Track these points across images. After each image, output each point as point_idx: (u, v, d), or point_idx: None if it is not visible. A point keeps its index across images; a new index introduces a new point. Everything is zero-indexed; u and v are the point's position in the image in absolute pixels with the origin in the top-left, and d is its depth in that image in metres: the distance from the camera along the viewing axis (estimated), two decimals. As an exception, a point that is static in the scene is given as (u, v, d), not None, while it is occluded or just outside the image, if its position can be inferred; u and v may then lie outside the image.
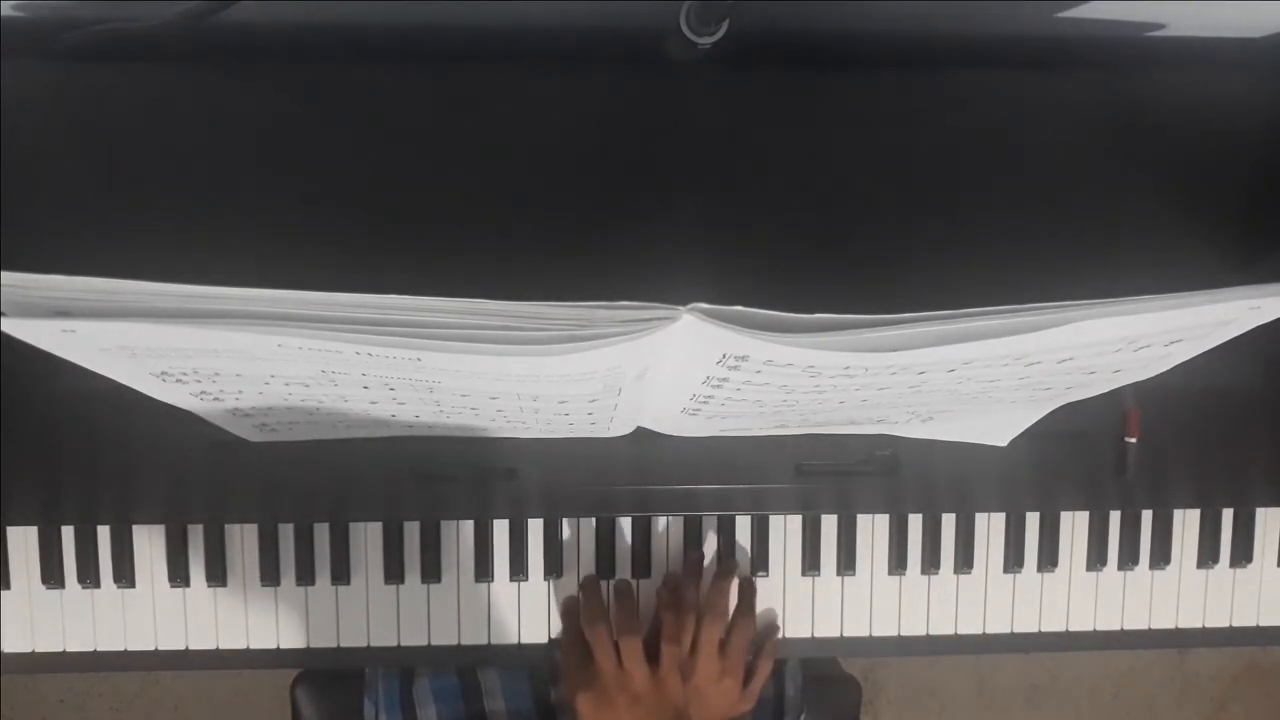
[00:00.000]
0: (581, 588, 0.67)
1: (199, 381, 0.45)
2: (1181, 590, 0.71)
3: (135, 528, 0.65)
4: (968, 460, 0.64)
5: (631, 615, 0.65)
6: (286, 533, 0.66)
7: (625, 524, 0.68)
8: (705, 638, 0.63)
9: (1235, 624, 0.71)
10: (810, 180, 0.58)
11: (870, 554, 0.69)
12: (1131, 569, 0.70)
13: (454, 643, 0.67)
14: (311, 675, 0.84)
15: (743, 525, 0.68)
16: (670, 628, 0.64)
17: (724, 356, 0.40)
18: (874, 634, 0.69)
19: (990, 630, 0.70)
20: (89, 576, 0.65)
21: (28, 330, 0.36)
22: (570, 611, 0.67)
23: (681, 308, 0.37)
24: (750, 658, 0.67)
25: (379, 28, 0.57)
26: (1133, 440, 0.64)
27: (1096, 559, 0.70)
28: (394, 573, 0.66)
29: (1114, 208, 0.59)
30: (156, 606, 0.66)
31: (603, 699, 0.62)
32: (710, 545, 0.68)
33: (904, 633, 0.70)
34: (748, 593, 0.67)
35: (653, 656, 0.63)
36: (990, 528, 0.69)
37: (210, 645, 0.66)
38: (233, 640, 0.66)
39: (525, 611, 0.68)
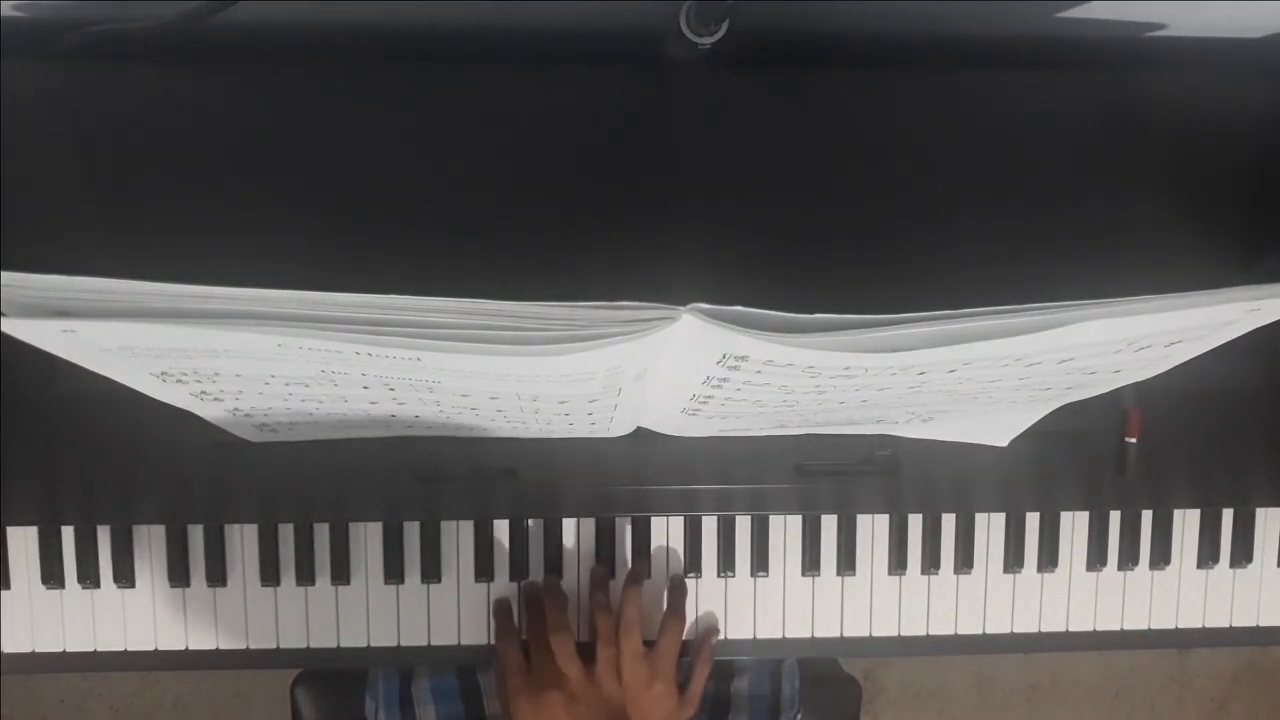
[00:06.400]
0: (519, 591, 0.67)
1: (199, 381, 0.45)
2: (1181, 590, 0.71)
3: (135, 528, 0.65)
4: (968, 460, 0.64)
5: (563, 614, 0.65)
6: (286, 533, 0.66)
7: (625, 524, 0.68)
8: (622, 646, 0.63)
9: (1235, 624, 0.71)
10: (810, 180, 0.58)
11: (870, 554, 0.69)
12: (1131, 569, 0.70)
13: (454, 642, 0.67)
14: (311, 675, 0.84)
15: (743, 525, 0.68)
16: (604, 629, 0.64)
17: (724, 357, 0.40)
18: (874, 634, 0.69)
19: (990, 630, 0.70)
20: (89, 576, 0.65)
21: (28, 330, 0.36)
22: (503, 612, 0.67)
23: (681, 308, 0.37)
24: (688, 660, 0.67)
25: (379, 28, 0.57)
26: (1133, 440, 0.64)
27: (1096, 559, 0.70)
28: (394, 573, 0.66)
29: (1114, 208, 0.59)
30: (156, 606, 0.66)
31: (538, 699, 0.62)
32: (710, 546, 0.68)
33: (904, 633, 0.70)
34: (677, 595, 0.67)
35: (589, 656, 0.63)
36: (990, 528, 0.69)
37: (210, 645, 0.66)
38: (233, 640, 0.66)
39: (525, 611, 0.68)
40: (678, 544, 0.68)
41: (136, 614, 0.66)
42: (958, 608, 0.70)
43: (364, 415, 0.52)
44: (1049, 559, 0.69)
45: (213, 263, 0.51)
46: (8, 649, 0.65)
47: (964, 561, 0.69)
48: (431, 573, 0.66)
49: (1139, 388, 0.60)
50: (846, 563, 0.68)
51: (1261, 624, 0.71)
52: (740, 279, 0.54)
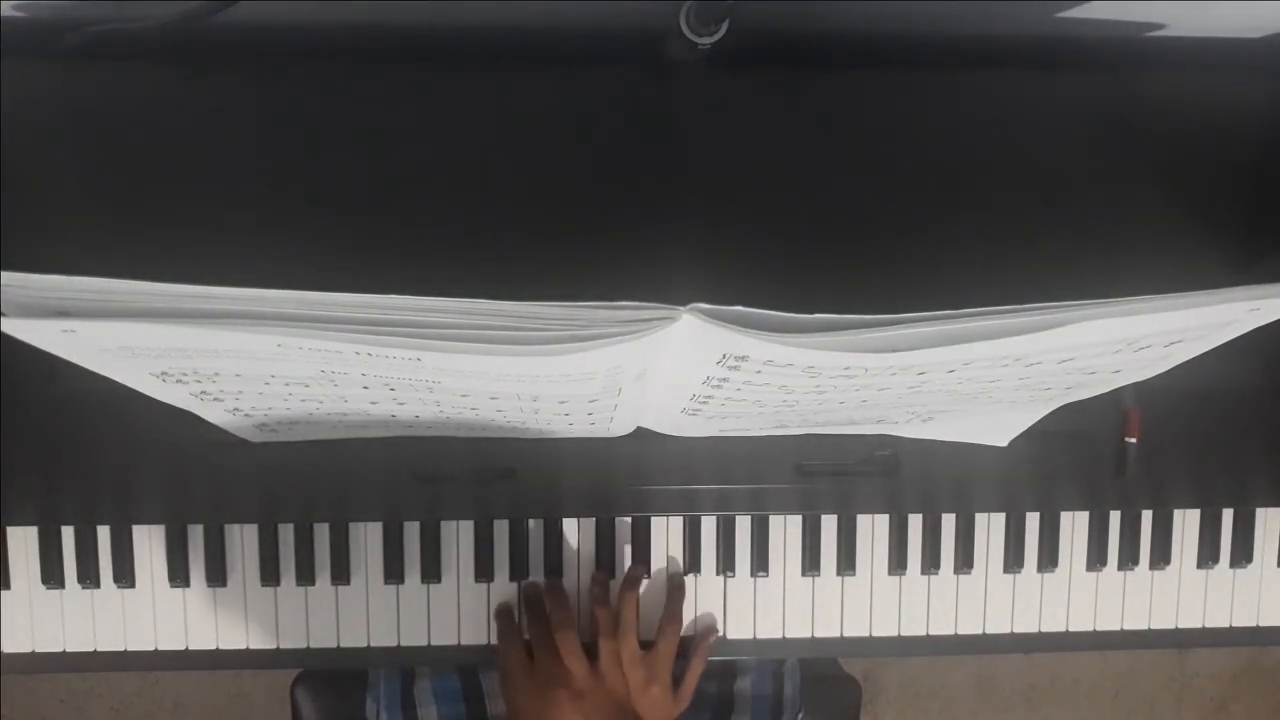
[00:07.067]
0: (520, 591, 0.67)
1: (199, 381, 0.45)
2: (1181, 590, 0.71)
3: (135, 528, 0.65)
4: (968, 460, 0.64)
5: (566, 612, 0.65)
6: (286, 533, 0.66)
7: (625, 524, 0.68)
8: (620, 650, 0.63)
9: (1235, 624, 0.71)
10: (810, 180, 0.58)
11: (870, 554, 0.69)
12: (1131, 569, 0.70)
13: (454, 643, 0.67)
14: (311, 675, 0.84)
15: (743, 525, 0.68)
16: (604, 623, 0.64)
17: (724, 357, 0.40)
18: (874, 634, 0.69)
19: (990, 630, 0.70)
20: (89, 576, 0.65)
21: (28, 330, 0.36)
22: (505, 613, 0.67)
23: (681, 308, 0.37)
24: (684, 659, 0.67)
25: (379, 28, 0.57)
26: (1133, 440, 0.64)
27: (1096, 559, 0.70)
28: (394, 573, 0.66)
29: (1114, 207, 0.59)
30: (156, 606, 0.66)
31: (544, 696, 0.61)
32: (710, 546, 0.68)
33: (904, 633, 0.70)
34: (675, 598, 0.67)
35: (591, 654, 0.63)
36: (990, 528, 0.69)
37: (210, 645, 0.66)
38: (233, 640, 0.66)
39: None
40: (677, 544, 0.68)
41: (136, 614, 0.66)
42: (958, 608, 0.70)
43: (364, 415, 0.52)
44: (1049, 559, 0.69)
45: (213, 263, 0.51)
46: (8, 649, 0.65)
47: (964, 561, 0.69)
48: (431, 573, 0.66)
49: (1139, 388, 0.60)
50: (846, 563, 0.68)
51: (1261, 624, 0.71)
52: (740, 279, 0.54)
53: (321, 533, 0.66)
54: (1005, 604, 0.70)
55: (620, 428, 0.58)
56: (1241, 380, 0.65)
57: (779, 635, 0.69)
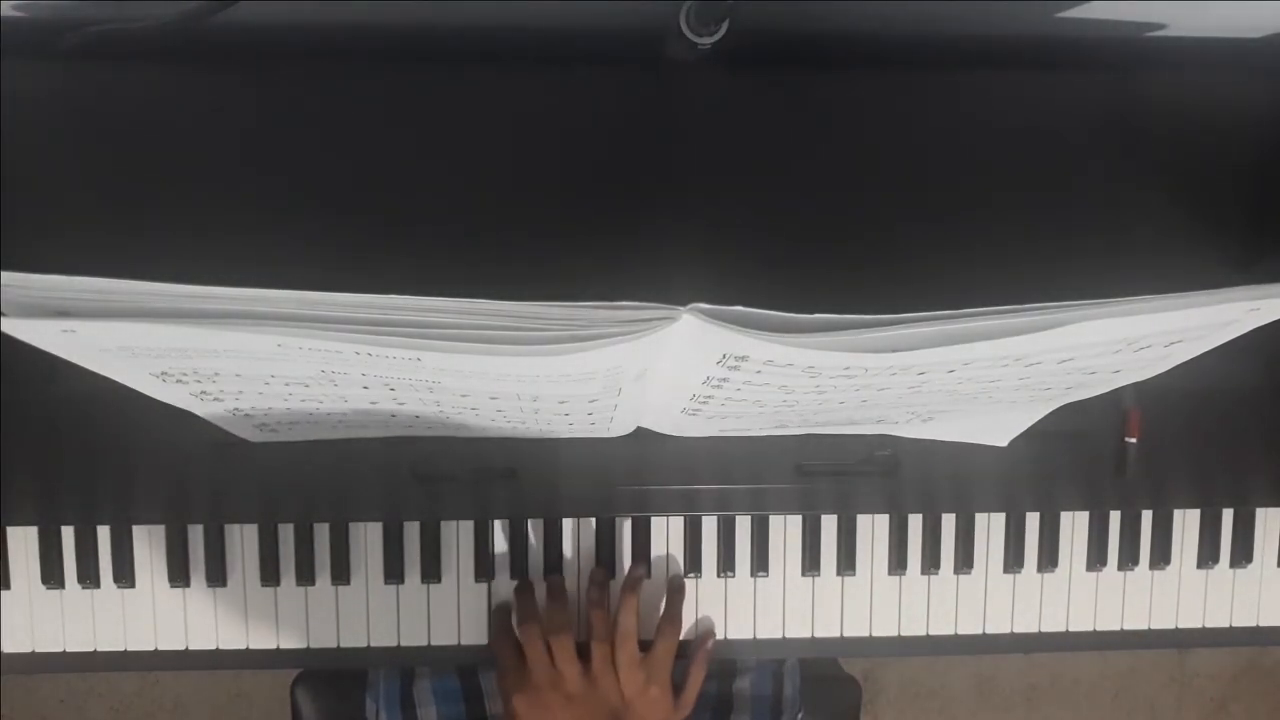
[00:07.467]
0: (516, 591, 0.67)
1: (199, 381, 0.45)
2: (1181, 590, 0.71)
3: (135, 528, 0.65)
4: (968, 460, 0.64)
5: (563, 614, 0.65)
6: (286, 533, 0.66)
7: (625, 524, 0.68)
8: (619, 653, 0.63)
9: (1235, 624, 0.71)
10: (810, 180, 0.58)
11: (870, 554, 0.69)
12: (1131, 569, 0.70)
13: (454, 643, 0.67)
14: (311, 675, 0.84)
15: (743, 525, 0.68)
16: (599, 627, 0.64)
17: (724, 357, 0.40)
18: (874, 634, 0.69)
19: (990, 630, 0.70)
20: (89, 576, 0.65)
21: (28, 330, 0.36)
22: (502, 612, 0.67)
23: (681, 308, 0.37)
24: (684, 661, 0.67)
25: (379, 28, 0.57)
26: (1133, 440, 0.64)
27: (1096, 559, 0.70)
28: (394, 573, 0.66)
29: (1114, 208, 0.59)
30: (156, 606, 0.66)
31: (536, 699, 0.62)
32: (710, 546, 0.68)
33: (904, 633, 0.70)
34: (674, 599, 0.67)
35: (587, 656, 0.63)
36: (990, 528, 0.69)
37: (210, 645, 0.66)
38: (233, 640, 0.66)
39: (525, 611, 0.68)
40: (678, 544, 0.68)
41: (136, 614, 0.66)
42: (958, 608, 0.70)
43: (364, 415, 0.52)
44: (1049, 559, 0.69)
45: (213, 263, 0.51)
46: (8, 649, 0.65)
47: (964, 561, 0.69)
48: (431, 573, 0.66)
49: (1139, 388, 0.60)
50: (846, 563, 0.68)
51: (1261, 624, 0.71)
52: (740, 279, 0.54)
53: (321, 533, 0.66)
54: (1005, 604, 0.70)
55: (620, 428, 0.58)
56: (1241, 380, 0.65)
57: (779, 635, 0.69)
